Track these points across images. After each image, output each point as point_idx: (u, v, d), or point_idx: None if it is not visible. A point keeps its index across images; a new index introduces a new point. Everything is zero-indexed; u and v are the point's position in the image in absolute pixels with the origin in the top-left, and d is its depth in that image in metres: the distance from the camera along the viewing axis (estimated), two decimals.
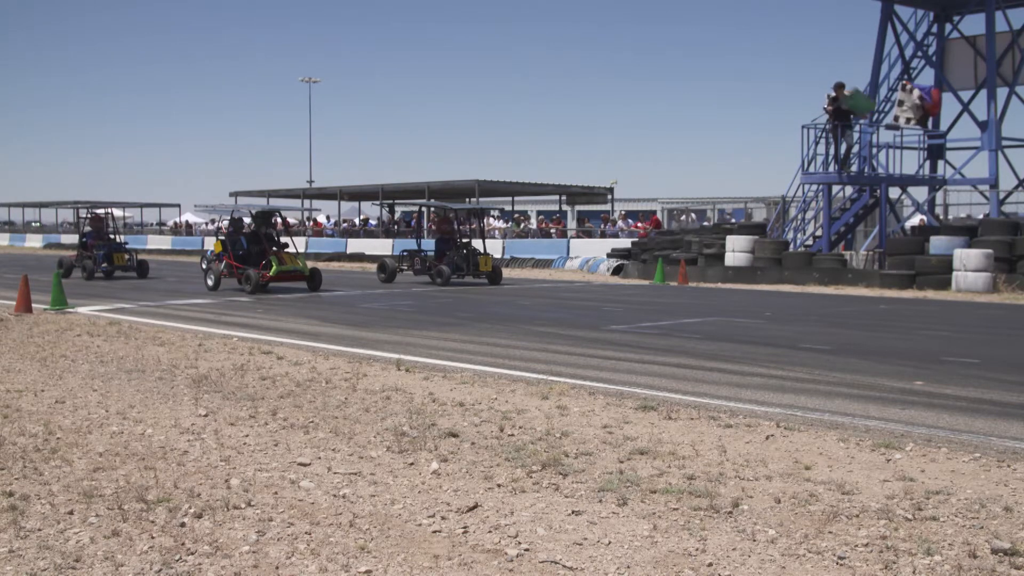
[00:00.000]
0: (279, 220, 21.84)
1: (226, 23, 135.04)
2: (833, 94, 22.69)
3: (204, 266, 27.38)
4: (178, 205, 63.36)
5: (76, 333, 11.46)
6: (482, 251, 22.28)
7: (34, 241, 56.79)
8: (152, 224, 62.43)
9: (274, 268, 18.74)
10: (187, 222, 60.56)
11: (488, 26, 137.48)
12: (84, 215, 26.56)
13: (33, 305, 14.04)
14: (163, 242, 49.61)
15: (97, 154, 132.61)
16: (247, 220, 21.47)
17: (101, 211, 26.34)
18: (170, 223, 61.81)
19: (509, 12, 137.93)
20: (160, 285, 21.86)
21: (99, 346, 10.34)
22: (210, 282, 19.80)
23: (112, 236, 25.53)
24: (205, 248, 44.63)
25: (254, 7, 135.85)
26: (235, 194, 49.02)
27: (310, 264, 23.20)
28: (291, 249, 20.26)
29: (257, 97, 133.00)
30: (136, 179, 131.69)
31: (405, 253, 23.26)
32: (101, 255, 23.82)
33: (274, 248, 19.70)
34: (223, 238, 20.80)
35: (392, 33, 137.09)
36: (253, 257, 19.60)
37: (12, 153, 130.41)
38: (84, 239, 24.91)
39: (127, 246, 25.79)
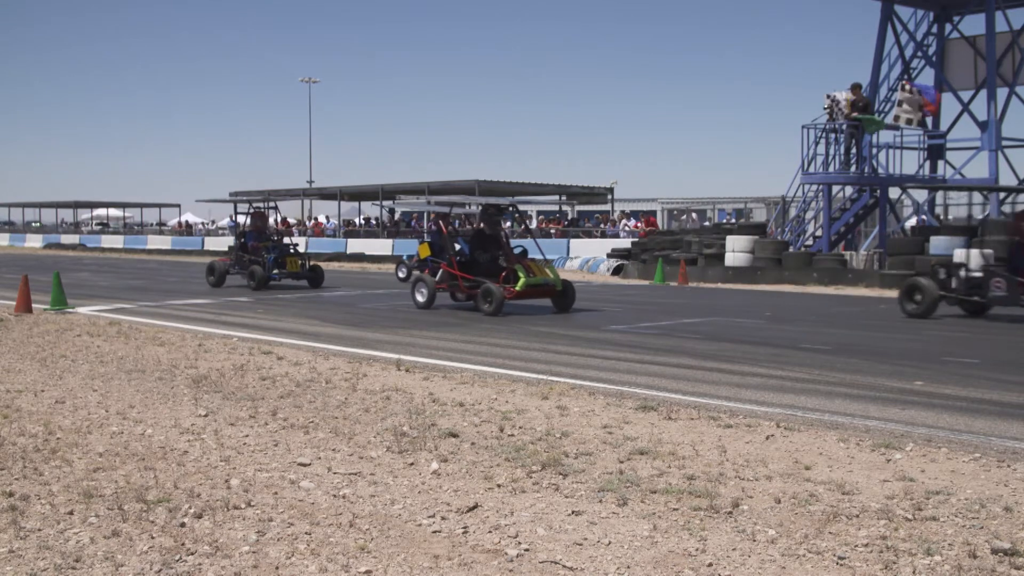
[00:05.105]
0: (510, 217, 17.20)
1: (226, 23, 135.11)
2: (852, 96, 22.63)
3: (402, 275, 22.55)
4: (178, 205, 63.49)
5: (76, 333, 11.46)
6: None
7: (34, 241, 56.83)
8: (152, 224, 62.48)
9: (522, 281, 14.25)
10: (187, 222, 60.60)
11: (488, 26, 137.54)
12: (246, 211, 21.99)
13: (33, 305, 14.04)
14: (163, 242, 49.62)
15: (97, 154, 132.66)
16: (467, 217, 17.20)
17: (261, 205, 22.04)
18: (171, 223, 61.86)
19: (509, 12, 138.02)
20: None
21: (99, 346, 10.34)
22: (421, 298, 15.12)
23: (275, 237, 21.11)
24: (205, 248, 44.67)
25: (254, 7, 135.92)
26: (235, 194, 48.96)
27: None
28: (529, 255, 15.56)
29: (257, 97, 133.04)
30: (136, 179, 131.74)
31: (941, 267, 14.32)
32: (272, 259, 19.70)
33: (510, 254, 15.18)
34: (429, 239, 16.97)
35: (392, 33, 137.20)
36: (480, 265, 15.13)
37: (12, 153, 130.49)
38: (243, 240, 20.76)
39: (298, 248, 21.37)
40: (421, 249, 16.81)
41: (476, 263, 15.17)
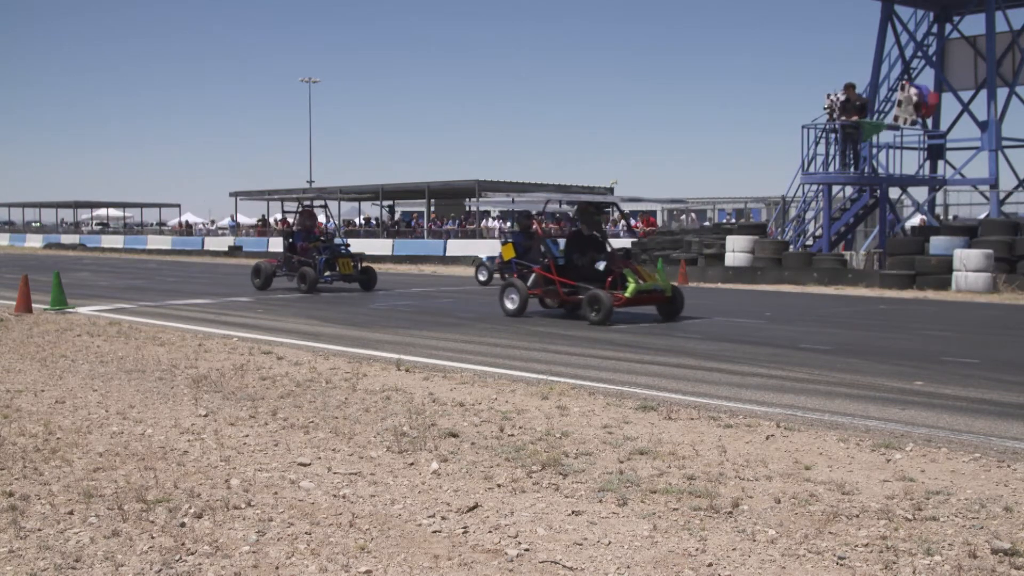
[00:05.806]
0: (612, 215, 15.22)
1: (226, 23, 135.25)
2: (843, 96, 22.63)
3: (483, 277, 21.24)
4: (178, 205, 63.62)
5: (76, 333, 11.46)
6: None
7: (34, 241, 56.87)
8: (152, 224, 62.55)
9: (632, 287, 12.80)
10: (187, 222, 60.64)
11: (488, 26, 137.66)
12: (296, 209, 20.84)
13: (33, 305, 14.03)
14: (163, 242, 49.63)
15: (97, 154, 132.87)
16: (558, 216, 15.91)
17: (310, 203, 20.85)
18: (171, 223, 61.89)
19: (509, 12, 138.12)
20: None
21: (99, 346, 10.34)
22: (511, 305, 13.63)
23: (323, 237, 20.04)
24: (205, 248, 44.65)
25: (254, 7, 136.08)
26: (235, 194, 49.04)
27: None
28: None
29: (257, 97, 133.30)
30: (136, 179, 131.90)
31: None
32: (323, 261, 18.64)
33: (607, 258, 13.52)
34: (510, 239, 15.80)
35: (392, 33, 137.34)
36: (576, 269, 13.57)
37: (12, 153, 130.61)
38: (291, 240, 19.69)
39: (350, 249, 19.92)
40: (505, 251, 15.66)
41: (571, 266, 13.63)
